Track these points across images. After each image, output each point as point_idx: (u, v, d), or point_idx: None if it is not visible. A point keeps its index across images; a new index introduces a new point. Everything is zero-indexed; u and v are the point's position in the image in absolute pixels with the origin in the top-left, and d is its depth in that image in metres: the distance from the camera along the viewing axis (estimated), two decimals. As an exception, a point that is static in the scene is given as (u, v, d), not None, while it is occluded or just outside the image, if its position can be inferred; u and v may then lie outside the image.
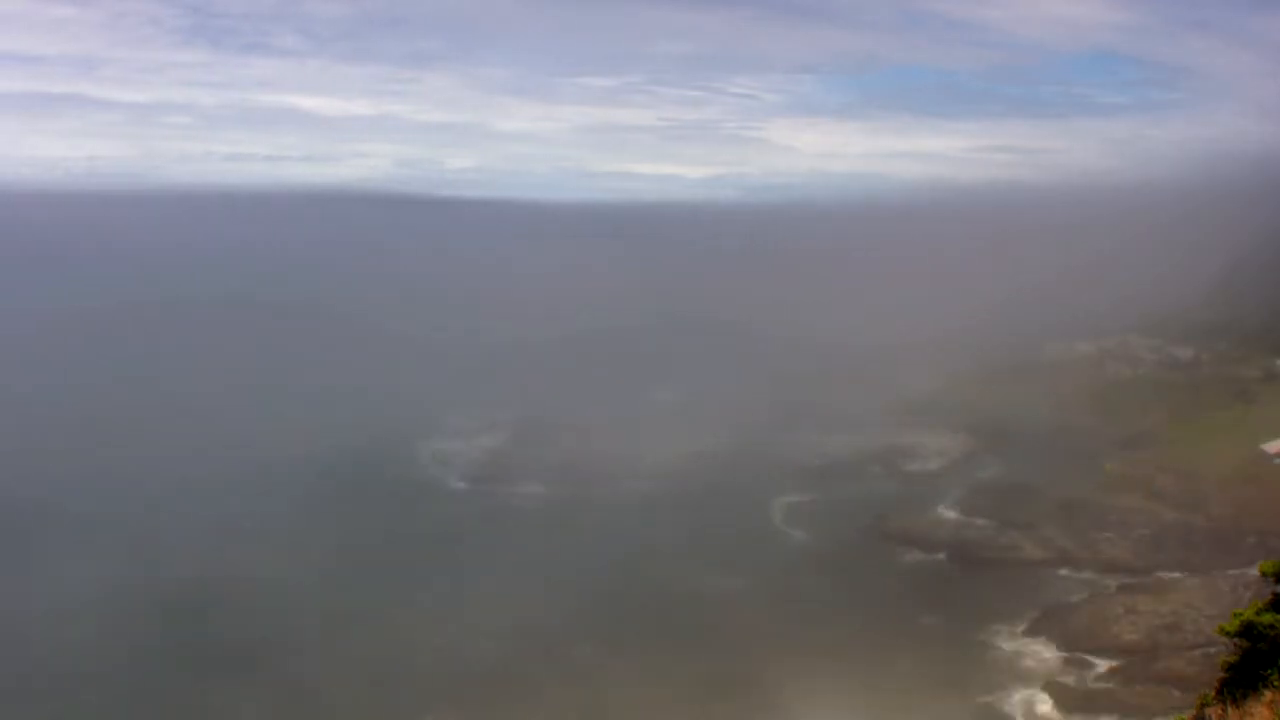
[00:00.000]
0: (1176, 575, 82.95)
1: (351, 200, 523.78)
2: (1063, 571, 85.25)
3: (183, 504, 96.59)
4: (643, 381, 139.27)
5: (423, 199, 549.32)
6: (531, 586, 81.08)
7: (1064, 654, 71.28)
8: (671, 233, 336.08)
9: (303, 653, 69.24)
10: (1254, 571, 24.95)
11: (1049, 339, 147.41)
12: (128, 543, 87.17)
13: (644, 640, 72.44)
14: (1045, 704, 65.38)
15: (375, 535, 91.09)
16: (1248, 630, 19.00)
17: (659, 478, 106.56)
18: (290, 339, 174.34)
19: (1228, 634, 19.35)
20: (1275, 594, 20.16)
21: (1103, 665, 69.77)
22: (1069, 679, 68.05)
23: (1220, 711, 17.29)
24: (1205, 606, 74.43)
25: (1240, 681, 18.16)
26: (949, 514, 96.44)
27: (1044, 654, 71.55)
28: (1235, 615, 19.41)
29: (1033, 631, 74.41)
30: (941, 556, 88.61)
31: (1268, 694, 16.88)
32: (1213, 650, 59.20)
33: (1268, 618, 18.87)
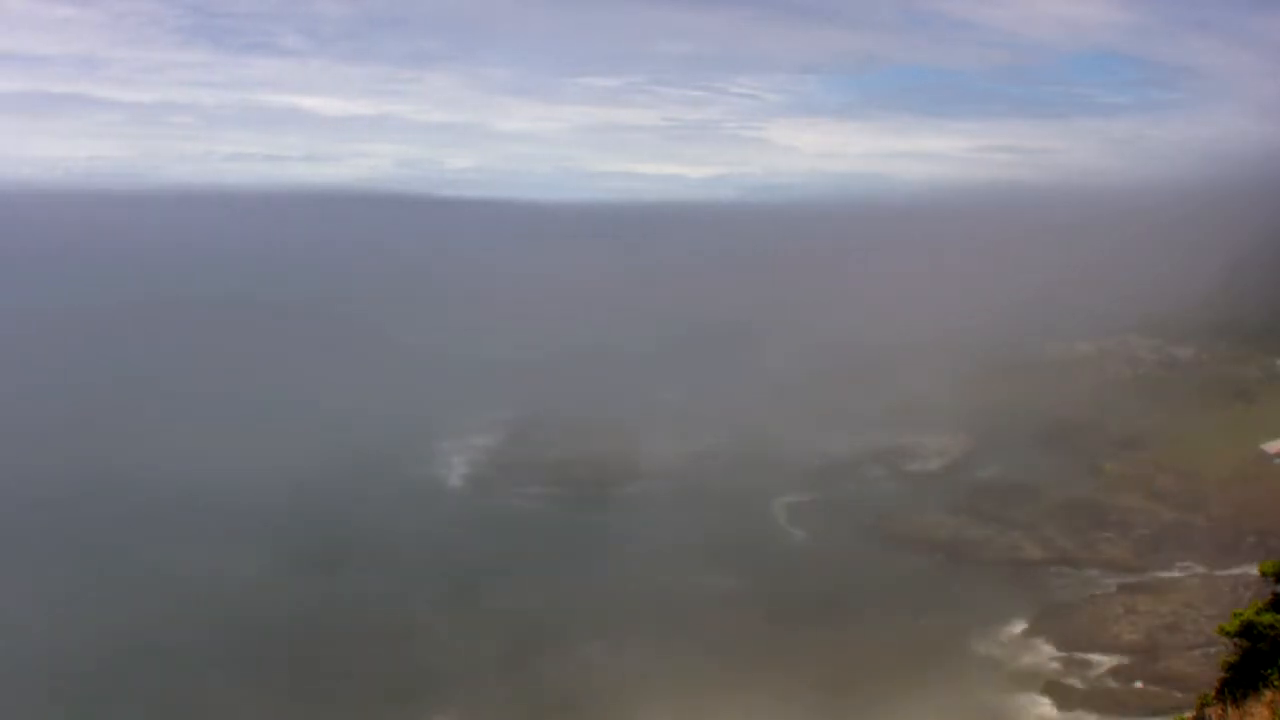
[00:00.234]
0: (1176, 575, 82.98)
1: (352, 200, 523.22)
2: (1063, 571, 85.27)
3: (181, 507, 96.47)
4: (643, 381, 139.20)
5: (424, 199, 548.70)
6: (533, 587, 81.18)
7: (1064, 654, 71.30)
8: (672, 233, 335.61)
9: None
10: (1254, 571, 24.92)
11: (1049, 339, 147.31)
12: (127, 543, 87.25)
13: (644, 640, 72.47)
14: (1045, 704, 65.41)
15: (373, 536, 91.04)
16: (1248, 630, 19.01)
17: (659, 477, 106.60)
18: (290, 339, 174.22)
19: (1228, 634, 19.35)
20: (1275, 594, 20.16)
21: (1103, 665, 69.80)
22: (1069, 679, 68.07)
23: (1220, 711, 17.31)
24: (1205, 606, 74.46)
25: (1240, 681, 18.17)
26: (949, 514, 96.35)
27: (1044, 654, 71.57)
28: (1235, 615, 19.41)
29: (1033, 631, 74.42)
30: (941, 556, 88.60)
31: (1268, 694, 16.90)
32: (1213, 650, 59.17)
33: (1268, 618, 18.88)
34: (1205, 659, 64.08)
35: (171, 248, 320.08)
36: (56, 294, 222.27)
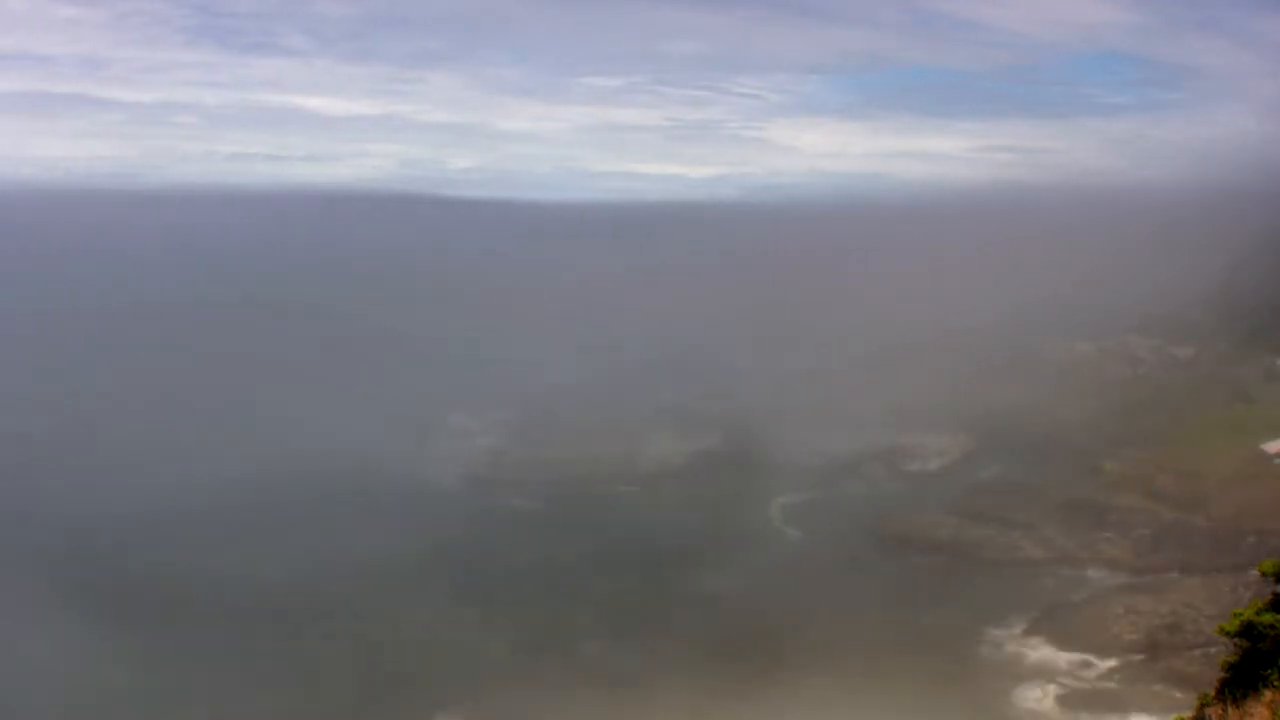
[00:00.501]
0: (1176, 575, 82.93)
1: (355, 200, 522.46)
2: (1063, 571, 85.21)
3: (181, 504, 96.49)
4: (643, 381, 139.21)
5: (426, 199, 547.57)
6: (532, 587, 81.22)
7: (1064, 654, 71.26)
8: (674, 233, 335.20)
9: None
10: (1254, 571, 24.89)
11: (1049, 339, 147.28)
12: (125, 543, 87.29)
13: (644, 639, 72.48)
14: (1045, 704, 65.38)
15: (372, 536, 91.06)
16: (1248, 630, 19.00)
17: (658, 477, 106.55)
18: (292, 338, 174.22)
19: (1228, 634, 19.35)
20: (1275, 594, 20.16)
21: (1103, 665, 69.78)
22: (1069, 679, 68.05)
23: (1220, 711, 17.31)
24: (1205, 606, 74.43)
25: (1240, 681, 18.17)
26: (949, 514, 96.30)
27: (1044, 654, 71.54)
28: (1235, 615, 19.41)
29: (1033, 631, 74.40)
30: (941, 556, 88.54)
31: (1268, 694, 16.90)
32: (1213, 650, 59.22)
33: (1268, 618, 18.87)
34: (1205, 659, 64.07)
35: (173, 248, 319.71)
36: (57, 294, 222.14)
